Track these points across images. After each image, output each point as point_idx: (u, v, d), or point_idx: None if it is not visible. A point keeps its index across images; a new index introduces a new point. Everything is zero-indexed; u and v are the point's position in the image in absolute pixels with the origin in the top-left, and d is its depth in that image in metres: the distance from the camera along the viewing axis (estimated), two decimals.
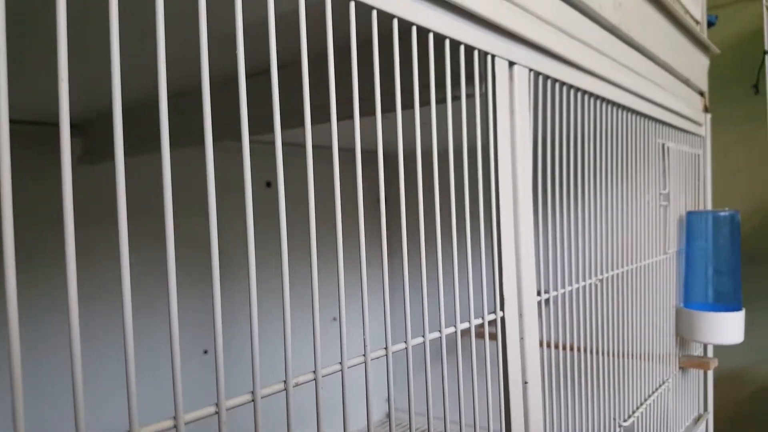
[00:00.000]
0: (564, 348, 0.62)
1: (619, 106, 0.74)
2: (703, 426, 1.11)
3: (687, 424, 1.07)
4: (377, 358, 0.38)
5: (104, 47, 0.26)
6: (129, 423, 0.25)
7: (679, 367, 1.02)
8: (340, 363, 0.35)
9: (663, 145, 0.92)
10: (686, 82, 1.01)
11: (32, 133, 0.85)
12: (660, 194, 0.92)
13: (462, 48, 0.46)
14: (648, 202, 0.86)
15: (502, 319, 0.51)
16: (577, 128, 0.64)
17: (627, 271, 0.79)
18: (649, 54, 0.83)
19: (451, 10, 0.44)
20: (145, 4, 0.36)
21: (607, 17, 0.68)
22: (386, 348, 0.38)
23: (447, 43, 0.44)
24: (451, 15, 0.44)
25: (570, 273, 0.63)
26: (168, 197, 0.26)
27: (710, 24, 1.38)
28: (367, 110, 0.38)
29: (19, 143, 0.83)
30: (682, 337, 1.01)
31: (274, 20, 0.31)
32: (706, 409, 1.16)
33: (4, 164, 0.21)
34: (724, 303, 0.97)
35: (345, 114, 0.36)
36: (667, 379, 0.95)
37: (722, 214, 0.97)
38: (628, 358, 0.79)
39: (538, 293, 0.57)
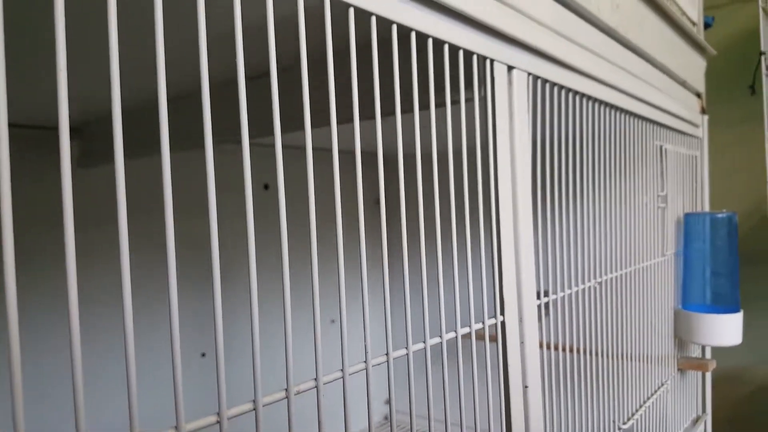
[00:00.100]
0: (564, 350, 0.62)
1: (616, 108, 0.74)
2: (701, 427, 1.11)
3: (686, 425, 1.08)
4: (378, 364, 0.38)
5: (103, 49, 0.26)
6: (129, 427, 0.25)
7: (678, 369, 1.03)
8: (342, 370, 0.35)
9: (660, 147, 0.92)
10: (683, 83, 1.01)
11: (30, 137, 0.85)
12: (658, 196, 0.92)
13: (461, 53, 0.46)
14: (646, 204, 0.87)
15: (503, 324, 0.51)
16: (575, 131, 0.64)
17: (625, 273, 0.79)
18: (646, 56, 0.83)
19: (450, 15, 0.45)
20: (144, 6, 0.36)
21: (604, 20, 0.68)
22: (387, 354, 0.38)
23: (446, 48, 0.44)
24: (450, 20, 0.44)
25: (569, 276, 0.63)
26: (168, 200, 0.26)
27: (707, 25, 1.38)
28: (367, 114, 0.38)
29: (18, 147, 0.82)
30: (681, 338, 1.01)
31: (273, 23, 0.31)
32: (704, 410, 1.16)
33: (3, 168, 0.21)
34: (722, 304, 0.97)
35: (344, 117, 0.36)
36: (665, 381, 0.95)
37: (720, 215, 0.97)
38: (627, 360, 0.79)
39: (538, 296, 0.57)
